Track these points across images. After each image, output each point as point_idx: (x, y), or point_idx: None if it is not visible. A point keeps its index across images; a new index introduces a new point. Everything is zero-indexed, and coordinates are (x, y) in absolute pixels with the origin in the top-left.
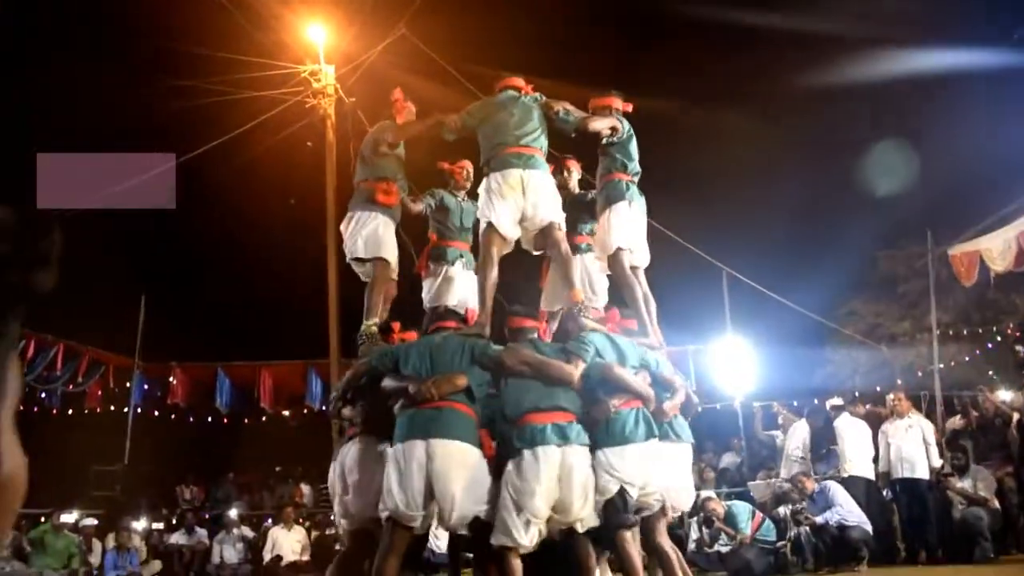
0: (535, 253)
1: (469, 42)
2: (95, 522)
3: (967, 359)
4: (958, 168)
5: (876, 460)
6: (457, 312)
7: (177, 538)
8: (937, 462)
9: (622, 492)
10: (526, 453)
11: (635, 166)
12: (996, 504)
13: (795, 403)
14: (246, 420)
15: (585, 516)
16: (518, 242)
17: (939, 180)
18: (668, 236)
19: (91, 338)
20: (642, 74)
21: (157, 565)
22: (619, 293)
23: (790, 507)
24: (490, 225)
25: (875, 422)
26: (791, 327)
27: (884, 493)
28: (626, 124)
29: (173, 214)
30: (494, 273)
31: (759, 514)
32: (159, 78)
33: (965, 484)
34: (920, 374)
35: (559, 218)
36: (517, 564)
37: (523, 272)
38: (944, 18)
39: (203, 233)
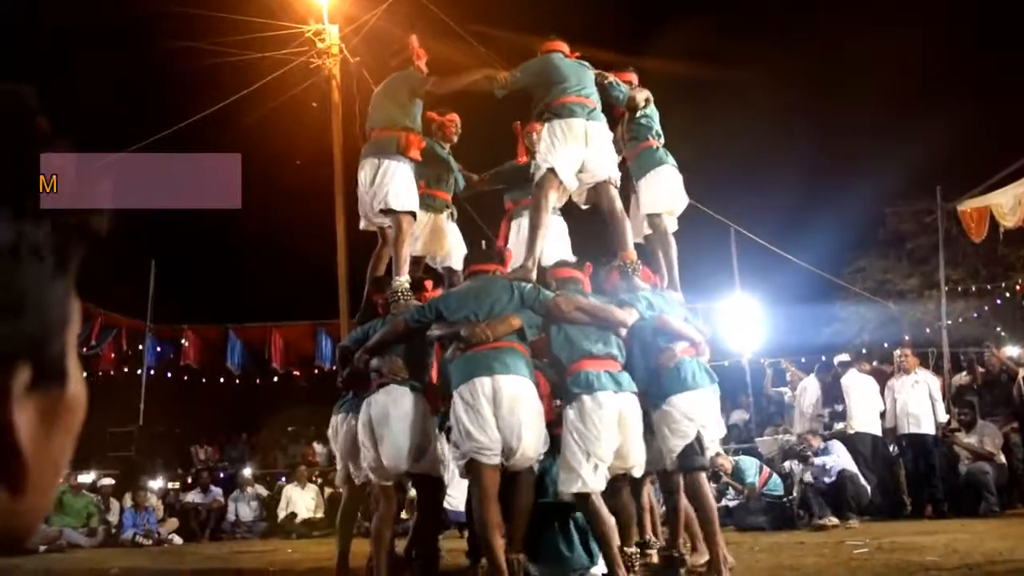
0: (583, 207)
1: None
2: (112, 482)
3: (975, 315)
4: (968, 123)
5: (883, 416)
6: (500, 254)
7: (193, 497)
8: (943, 417)
9: (699, 436)
10: (586, 399)
11: (659, 132)
12: (1002, 459)
13: (803, 360)
14: (258, 381)
15: (641, 462)
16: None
17: (948, 135)
18: None
19: (103, 302)
20: (650, 30)
21: (174, 523)
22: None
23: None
24: (551, 171)
25: (882, 378)
26: (799, 284)
27: (891, 448)
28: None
29: None
30: (547, 218)
31: (766, 469)
32: (162, 40)
33: (971, 439)
34: (928, 330)
35: (616, 174)
36: (598, 503)
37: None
38: None
39: None
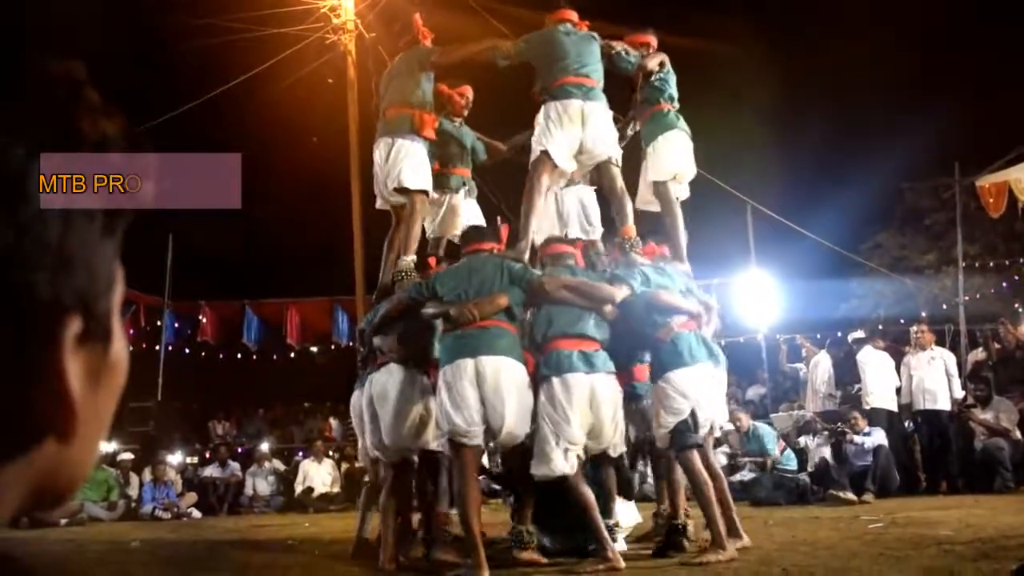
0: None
1: None
2: (132, 456)
3: (992, 291)
4: (987, 98)
5: (899, 392)
6: (493, 233)
7: (211, 471)
8: (959, 394)
9: (693, 413)
10: (555, 380)
11: (674, 95)
12: (1018, 435)
13: (818, 336)
14: (274, 356)
15: (617, 441)
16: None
17: (967, 110)
18: None
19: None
20: (667, 6)
21: (193, 497)
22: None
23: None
24: (545, 154)
25: (896, 356)
26: (815, 260)
27: (906, 424)
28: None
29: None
30: (540, 202)
31: (781, 441)
32: (178, 16)
33: (987, 415)
34: (945, 307)
35: (616, 153)
36: (574, 481)
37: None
38: None
39: None
